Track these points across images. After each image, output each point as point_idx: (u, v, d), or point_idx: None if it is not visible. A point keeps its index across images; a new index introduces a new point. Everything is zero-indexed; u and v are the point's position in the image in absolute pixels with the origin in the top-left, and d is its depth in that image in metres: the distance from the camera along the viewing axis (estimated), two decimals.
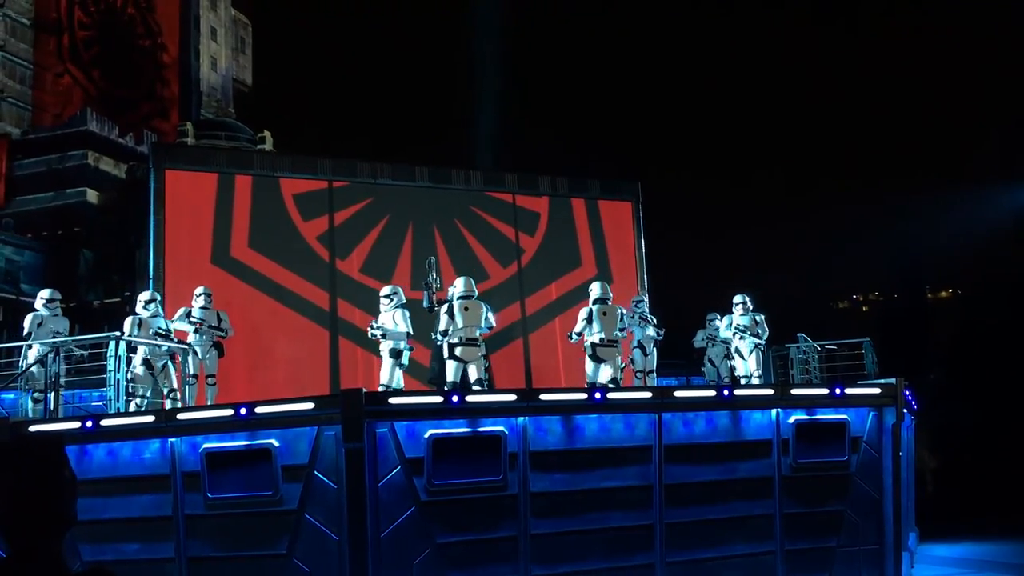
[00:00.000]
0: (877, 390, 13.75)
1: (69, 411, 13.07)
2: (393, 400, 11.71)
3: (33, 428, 11.67)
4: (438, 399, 11.97)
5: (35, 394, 13.12)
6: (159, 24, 49.00)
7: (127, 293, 28.79)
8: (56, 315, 14.17)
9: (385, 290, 14.42)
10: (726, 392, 13.07)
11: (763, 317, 15.83)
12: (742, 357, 15.77)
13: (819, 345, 16.73)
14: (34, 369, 13.14)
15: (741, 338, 15.70)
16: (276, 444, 11.35)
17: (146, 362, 13.72)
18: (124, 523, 11.58)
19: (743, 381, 15.65)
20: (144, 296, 14.60)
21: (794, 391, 13.69)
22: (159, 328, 14.19)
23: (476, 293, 14.04)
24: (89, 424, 11.71)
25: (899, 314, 48.47)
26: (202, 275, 17.56)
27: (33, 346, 13.50)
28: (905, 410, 13.78)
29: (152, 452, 11.73)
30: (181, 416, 11.79)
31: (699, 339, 17.71)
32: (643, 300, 17.19)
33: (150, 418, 11.88)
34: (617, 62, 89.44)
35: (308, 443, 11.30)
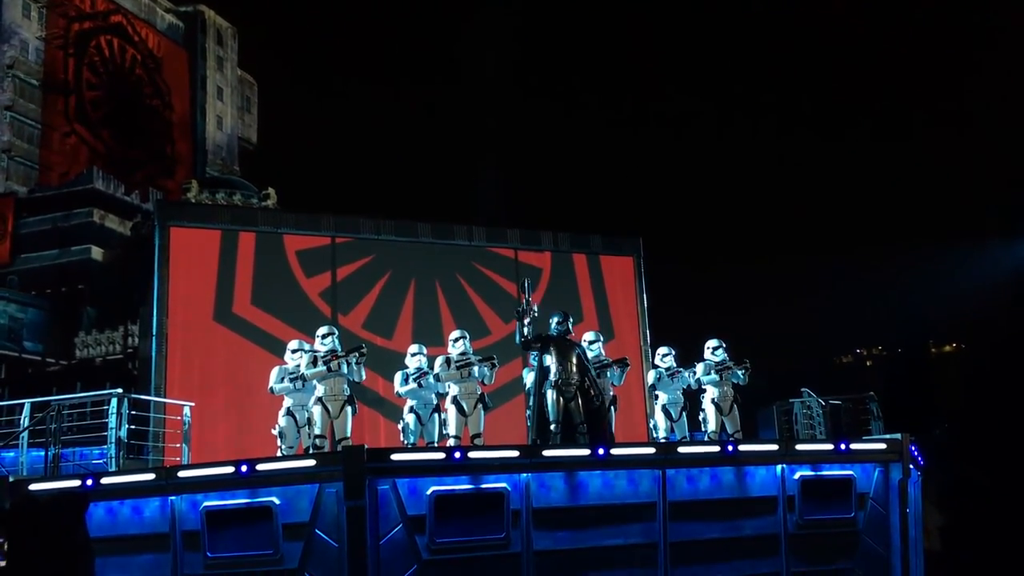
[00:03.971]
0: (883, 445, 13.64)
1: (69, 469, 12.98)
2: (395, 457, 11.63)
3: (33, 487, 11.59)
4: (440, 455, 11.89)
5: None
6: (167, 84, 49.79)
7: (129, 350, 28.76)
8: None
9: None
10: (730, 448, 12.97)
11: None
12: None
13: (823, 400, 16.62)
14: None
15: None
16: (277, 502, 11.26)
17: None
18: None
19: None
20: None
21: (799, 447, 13.57)
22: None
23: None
24: (89, 482, 11.64)
25: (903, 369, 48.38)
26: (204, 332, 17.56)
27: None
28: (911, 466, 13.65)
29: (152, 511, 11.64)
30: (182, 474, 11.69)
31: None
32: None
33: (151, 476, 11.81)
34: (622, 117, 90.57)
35: (309, 501, 11.21)
